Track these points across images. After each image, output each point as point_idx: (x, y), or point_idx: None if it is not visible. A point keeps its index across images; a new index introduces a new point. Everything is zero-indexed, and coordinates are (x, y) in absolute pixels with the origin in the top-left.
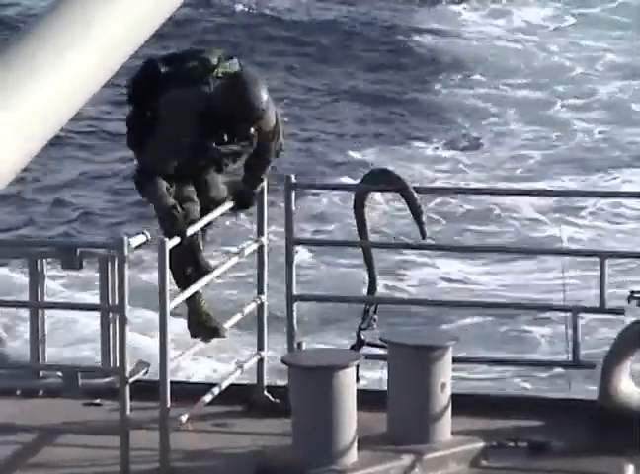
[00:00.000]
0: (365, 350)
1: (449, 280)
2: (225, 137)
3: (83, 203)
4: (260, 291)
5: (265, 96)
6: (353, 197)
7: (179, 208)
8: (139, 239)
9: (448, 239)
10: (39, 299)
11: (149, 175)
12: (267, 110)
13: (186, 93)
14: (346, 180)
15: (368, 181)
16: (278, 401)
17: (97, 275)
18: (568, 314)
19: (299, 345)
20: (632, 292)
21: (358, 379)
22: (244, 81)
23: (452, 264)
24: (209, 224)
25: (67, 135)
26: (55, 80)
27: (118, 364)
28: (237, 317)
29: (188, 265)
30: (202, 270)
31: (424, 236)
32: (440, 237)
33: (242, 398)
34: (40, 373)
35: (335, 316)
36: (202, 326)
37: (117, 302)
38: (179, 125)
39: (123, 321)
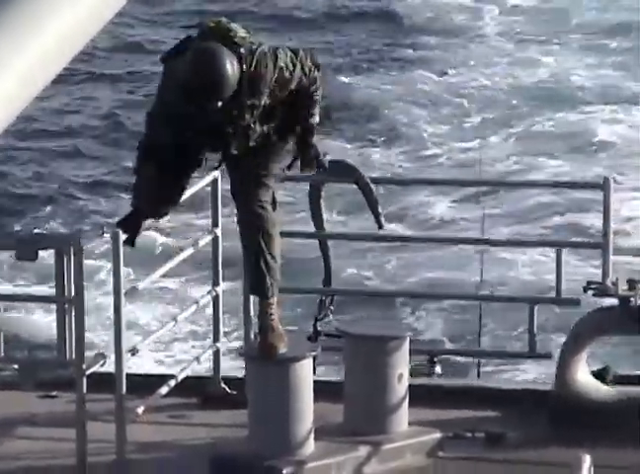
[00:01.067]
0: (322, 341)
1: (407, 269)
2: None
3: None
4: (215, 283)
5: (222, 71)
6: (308, 189)
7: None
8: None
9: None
10: None
11: (142, 151)
12: (232, 82)
13: (175, 63)
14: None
15: (325, 172)
16: (234, 392)
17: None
18: (525, 305)
19: (256, 336)
20: (588, 283)
21: (314, 370)
22: (197, 55)
23: (411, 253)
24: None
25: None
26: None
27: (74, 357)
28: (192, 309)
29: None
30: None
31: (380, 227)
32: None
33: (198, 390)
34: None
35: (291, 307)
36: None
37: (73, 294)
38: (168, 96)
39: (81, 313)
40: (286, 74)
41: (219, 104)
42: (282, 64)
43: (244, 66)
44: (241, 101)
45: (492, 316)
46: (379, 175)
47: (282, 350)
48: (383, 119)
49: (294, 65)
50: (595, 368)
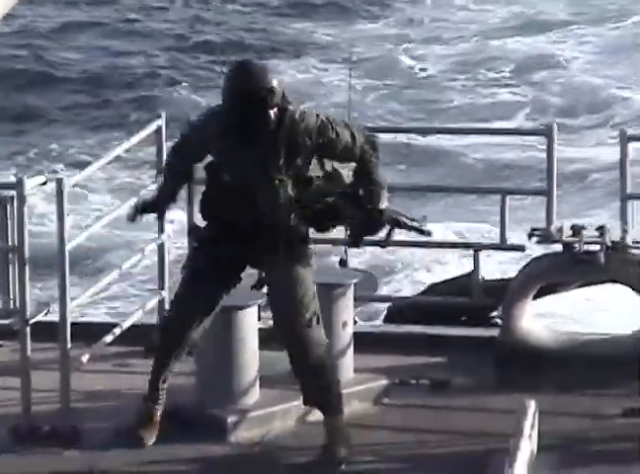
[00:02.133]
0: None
1: None
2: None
3: None
4: (160, 230)
5: (264, 74)
6: None
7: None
8: (38, 179)
9: None
10: None
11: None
12: (275, 89)
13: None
14: None
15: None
16: None
17: None
18: (469, 251)
19: None
20: (533, 229)
21: (259, 318)
22: (237, 66)
23: None
24: None
25: None
26: None
27: (18, 305)
28: (137, 257)
29: None
30: None
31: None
32: None
33: (143, 338)
34: None
35: None
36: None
37: (16, 243)
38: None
39: (23, 262)
40: (337, 145)
41: (269, 111)
42: (333, 136)
43: (287, 121)
44: (278, 151)
45: (438, 262)
46: None
47: None
48: None
49: (345, 140)
50: None
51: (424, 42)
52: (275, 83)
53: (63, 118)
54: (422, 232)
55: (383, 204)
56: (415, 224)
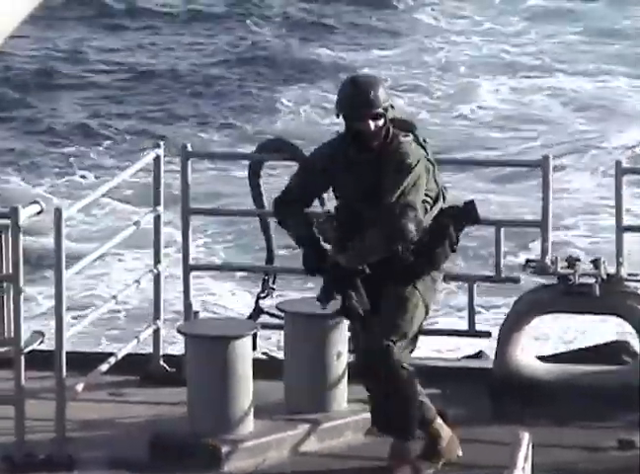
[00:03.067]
0: (263, 319)
1: None
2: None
3: None
4: (157, 261)
5: (372, 83)
6: (247, 168)
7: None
8: (33, 208)
9: None
10: None
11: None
12: (380, 97)
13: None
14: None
15: (263, 150)
16: (174, 370)
17: None
18: (464, 283)
19: (195, 314)
20: (527, 261)
21: (255, 348)
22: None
23: None
24: None
25: None
26: None
27: (12, 334)
28: (133, 287)
29: None
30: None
31: (322, 204)
32: None
33: (138, 368)
34: None
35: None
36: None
37: (10, 271)
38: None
39: (18, 291)
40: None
41: (369, 122)
42: (403, 182)
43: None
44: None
45: None
46: None
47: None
48: None
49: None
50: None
51: None
52: (386, 99)
53: None
54: (349, 311)
55: (348, 262)
56: (354, 304)
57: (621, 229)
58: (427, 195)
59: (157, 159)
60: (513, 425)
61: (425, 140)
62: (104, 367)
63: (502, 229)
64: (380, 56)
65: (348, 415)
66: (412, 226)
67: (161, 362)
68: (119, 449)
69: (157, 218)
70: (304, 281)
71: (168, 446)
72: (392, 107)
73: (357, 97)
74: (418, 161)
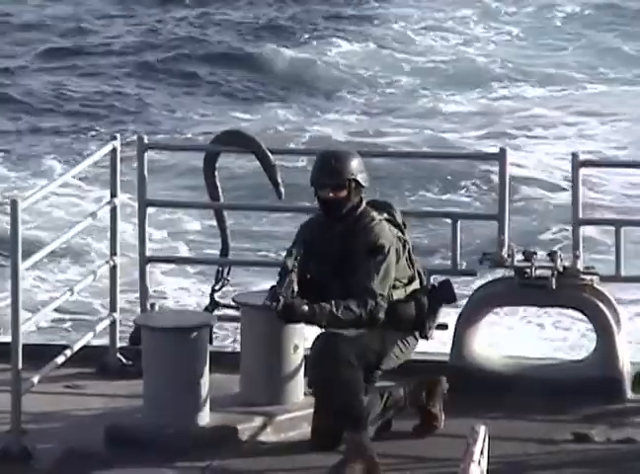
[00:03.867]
0: (219, 311)
1: None
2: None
3: None
4: (113, 253)
5: (341, 154)
6: (203, 159)
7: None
8: None
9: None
10: None
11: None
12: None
13: None
14: None
15: (219, 141)
16: (130, 363)
17: None
18: None
19: (152, 306)
20: (484, 253)
21: (211, 341)
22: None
23: None
24: None
25: None
26: None
27: None
28: (90, 279)
29: None
30: None
31: (280, 197)
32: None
33: (94, 360)
34: None
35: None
36: None
37: None
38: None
39: None
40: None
41: (329, 192)
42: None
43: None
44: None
45: None
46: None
47: None
48: None
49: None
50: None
51: None
52: (359, 174)
53: None
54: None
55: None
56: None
57: (577, 221)
58: (397, 279)
59: (114, 151)
60: (469, 418)
61: (404, 224)
62: (60, 360)
63: (458, 222)
64: None
65: (304, 407)
66: (379, 315)
67: (117, 355)
68: (74, 441)
69: (113, 210)
70: (260, 274)
71: (123, 439)
72: (361, 182)
73: (320, 167)
74: (390, 244)
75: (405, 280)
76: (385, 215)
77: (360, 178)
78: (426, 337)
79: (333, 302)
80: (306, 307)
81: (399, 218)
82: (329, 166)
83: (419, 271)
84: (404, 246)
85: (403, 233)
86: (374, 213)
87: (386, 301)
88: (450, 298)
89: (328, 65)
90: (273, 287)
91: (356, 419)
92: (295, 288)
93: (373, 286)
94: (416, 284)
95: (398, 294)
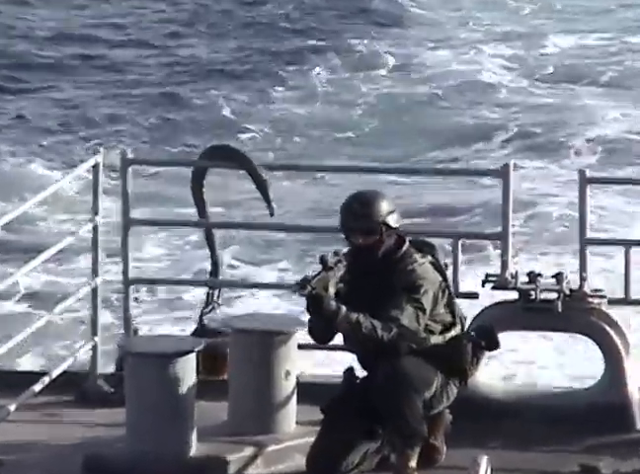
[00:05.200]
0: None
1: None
2: None
3: None
4: (94, 274)
5: (370, 198)
6: (190, 175)
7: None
8: None
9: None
10: None
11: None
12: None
13: None
14: None
15: (207, 157)
16: (112, 389)
17: None
18: None
19: (135, 331)
20: (487, 275)
21: (199, 367)
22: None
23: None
24: None
25: None
26: None
27: None
28: (71, 300)
29: None
30: None
31: (272, 213)
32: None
33: (74, 387)
34: None
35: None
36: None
37: None
38: None
39: None
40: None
41: (360, 238)
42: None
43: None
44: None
45: None
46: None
47: None
48: None
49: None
50: None
51: None
52: (388, 216)
53: None
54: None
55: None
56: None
57: (584, 241)
58: (434, 323)
59: (96, 166)
60: (471, 448)
61: (446, 265)
62: (37, 387)
63: (459, 241)
64: None
65: (296, 437)
66: (400, 345)
67: (98, 381)
68: (52, 472)
69: (95, 229)
70: (252, 296)
71: (104, 469)
72: (391, 224)
73: (347, 212)
74: (429, 287)
75: (442, 326)
76: (429, 258)
77: (391, 220)
78: (466, 384)
79: (362, 315)
80: (334, 303)
81: (442, 261)
82: (355, 211)
83: (460, 317)
84: (444, 291)
85: (445, 279)
86: (418, 255)
87: (414, 336)
88: (493, 346)
89: None
90: (305, 277)
91: (416, 447)
92: (332, 291)
93: (400, 317)
94: (456, 331)
95: (435, 340)
